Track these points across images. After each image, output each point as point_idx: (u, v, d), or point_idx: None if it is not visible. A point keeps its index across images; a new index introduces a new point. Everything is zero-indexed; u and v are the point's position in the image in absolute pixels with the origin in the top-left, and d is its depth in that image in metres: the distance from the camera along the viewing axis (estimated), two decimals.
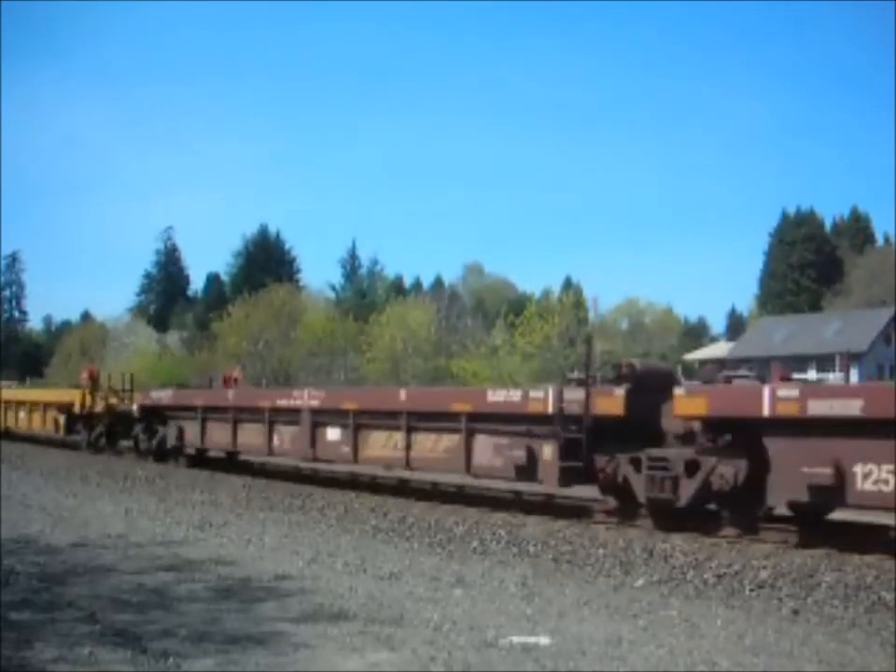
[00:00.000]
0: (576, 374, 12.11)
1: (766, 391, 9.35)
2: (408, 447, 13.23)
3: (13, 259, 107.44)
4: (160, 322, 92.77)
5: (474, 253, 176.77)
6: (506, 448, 11.82)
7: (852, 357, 66.42)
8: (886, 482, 8.44)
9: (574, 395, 11.00)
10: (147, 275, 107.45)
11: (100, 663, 5.14)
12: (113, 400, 22.65)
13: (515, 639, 5.77)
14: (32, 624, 5.96)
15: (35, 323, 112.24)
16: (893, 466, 8.38)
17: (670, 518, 10.31)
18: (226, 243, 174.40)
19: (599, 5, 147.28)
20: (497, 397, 12.06)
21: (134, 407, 20.75)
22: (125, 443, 21.66)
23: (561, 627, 6.19)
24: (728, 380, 10.72)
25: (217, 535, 10.26)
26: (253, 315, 64.30)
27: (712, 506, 10.32)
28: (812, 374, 67.72)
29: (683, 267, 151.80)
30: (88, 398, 23.06)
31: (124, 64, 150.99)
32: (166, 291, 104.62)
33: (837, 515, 10.47)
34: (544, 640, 5.78)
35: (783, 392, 9.19)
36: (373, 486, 15.27)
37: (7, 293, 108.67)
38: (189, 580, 7.57)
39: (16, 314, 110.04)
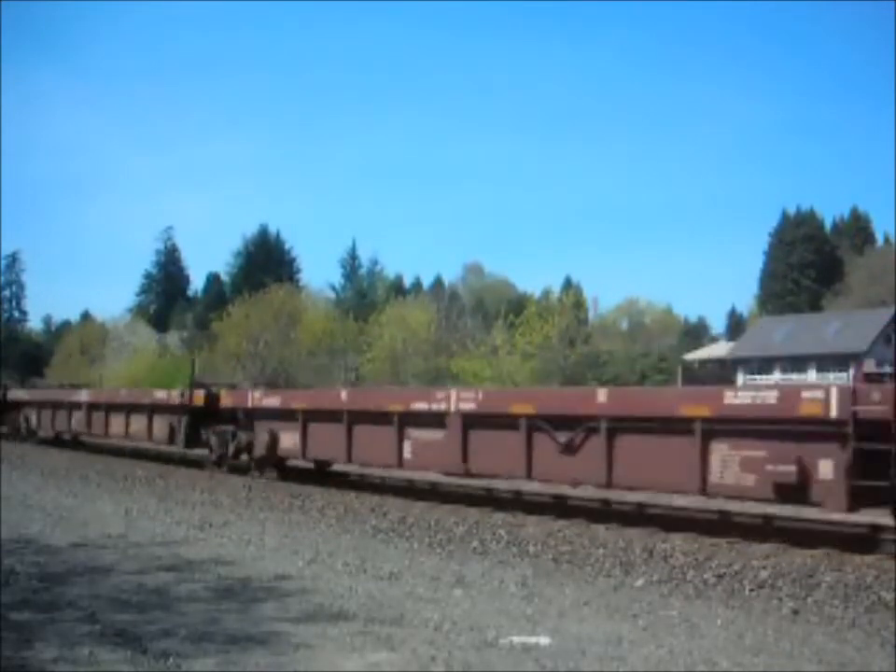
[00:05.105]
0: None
1: None
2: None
3: (13, 258, 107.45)
4: (160, 322, 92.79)
5: (474, 253, 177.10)
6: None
7: (852, 358, 66.44)
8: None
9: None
10: (147, 275, 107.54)
11: (100, 663, 5.14)
12: None
13: (515, 639, 5.77)
14: (32, 624, 5.95)
15: (35, 323, 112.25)
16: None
17: None
18: (226, 243, 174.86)
19: (599, 5, 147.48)
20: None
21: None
22: None
23: (561, 627, 6.19)
24: None
25: (217, 535, 10.26)
26: (253, 314, 64.28)
27: None
28: (812, 374, 67.83)
29: (683, 267, 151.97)
30: None
31: (124, 64, 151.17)
32: (166, 291, 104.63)
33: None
34: (544, 640, 5.78)
35: None
36: (373, 486, 15.26)
37: (7, 293, 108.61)
38: (189, 580, 7.56)
39: (16, 314, 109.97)
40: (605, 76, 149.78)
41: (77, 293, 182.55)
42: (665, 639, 5.91)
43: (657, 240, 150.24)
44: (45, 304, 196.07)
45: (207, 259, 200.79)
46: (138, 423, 20.63)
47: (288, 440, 15.81)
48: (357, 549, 9.45)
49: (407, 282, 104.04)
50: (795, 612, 7.01)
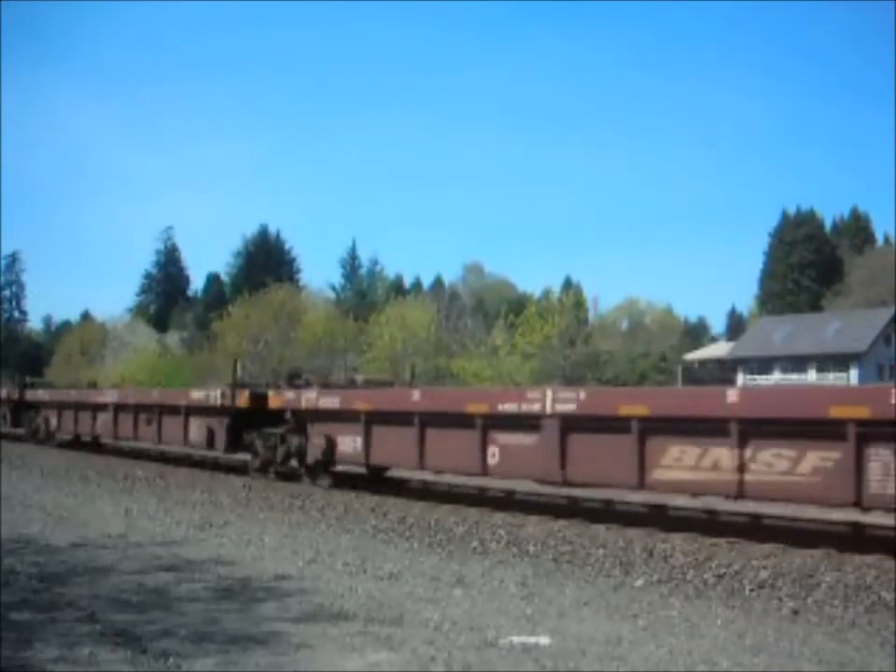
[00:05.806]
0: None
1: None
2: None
3: (13, 258, 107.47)
4: (160, 322, 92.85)
5: (474, 253, 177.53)
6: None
7: (852, 358, 66.45)
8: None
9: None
10: (147, 275, 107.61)
11: (100, 663, 5.14)
12: None
13: (515, 639, 5.76)
14: (32, 624, 5.95)
15: (35, 323, 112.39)
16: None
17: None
18: (226, 243, 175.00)
19: (599, 5, 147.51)
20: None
21: None
22: None
23: (561, 627, 6.19)
24: None
25: (217, 535, 10.26)
26: (253, 314, 64.37)
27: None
28: (812, 375, 67.83)
29: (683, 267, 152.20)
30: None
31: (124, 65, 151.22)
32: (166, 291, 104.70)
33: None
34: (544, 640, 5.78)
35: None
36: (373, 487, 15.24)
37: (7, 293, 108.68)
38: (188, 580, 7.56)
39: (16, 314, 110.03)
40: (605, 75, 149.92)
41: (77, 293, 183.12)
42: (665, 639, 5.91)
43: (657, 240, 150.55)
44: (45, 304, 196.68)
45: (207, 259, 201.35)
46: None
47: None
48: (357, 549, 9.45)
49: (407, 282, 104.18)
50: (795, 612, 7.00)
